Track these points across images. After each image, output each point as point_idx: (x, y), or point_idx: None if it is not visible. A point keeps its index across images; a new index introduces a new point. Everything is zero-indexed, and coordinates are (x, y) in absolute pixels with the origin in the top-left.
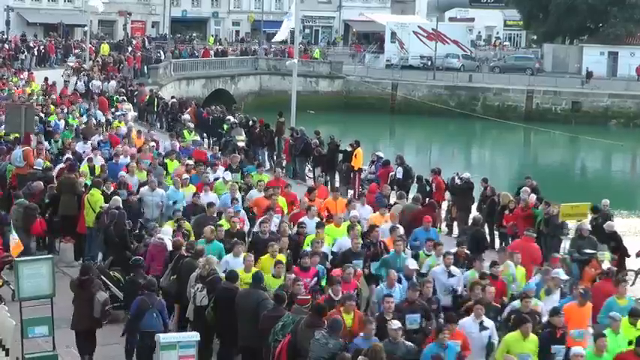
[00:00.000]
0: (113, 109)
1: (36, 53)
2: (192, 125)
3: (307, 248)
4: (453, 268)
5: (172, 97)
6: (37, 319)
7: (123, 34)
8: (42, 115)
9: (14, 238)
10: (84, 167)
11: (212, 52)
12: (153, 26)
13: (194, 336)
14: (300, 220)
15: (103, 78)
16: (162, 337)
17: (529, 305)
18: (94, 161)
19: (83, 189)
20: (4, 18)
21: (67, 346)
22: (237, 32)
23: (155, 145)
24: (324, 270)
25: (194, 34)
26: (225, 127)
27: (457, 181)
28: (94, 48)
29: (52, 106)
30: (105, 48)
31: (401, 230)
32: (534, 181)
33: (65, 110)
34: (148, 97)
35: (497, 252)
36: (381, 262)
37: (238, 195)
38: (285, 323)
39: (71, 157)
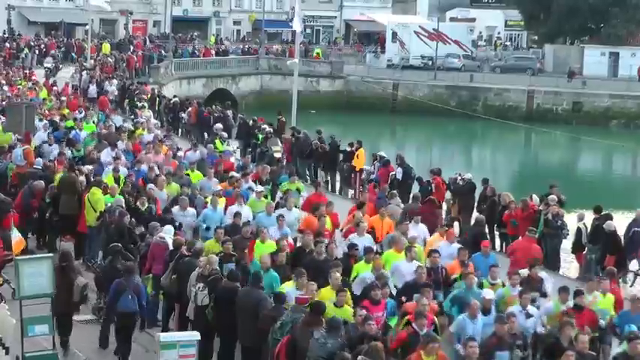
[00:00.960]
0: (132, 116)
1: (37, 52)
2: (225, 135)
3: (366, 273)
4: (531, 308)
5: (174, 96)
6: (37, 317)
7: (124, 34)
8: (57, 120)
9: (15, 236)
10: (108, 178)
11: (213, 52)
12: (154, 25)
13: (194, 335)
14: (352, 240)
15: (104, 77)
16: (163, 337)
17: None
18: (119, 171)
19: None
20: (5, 17)
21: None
22: (239, 32)
23: (177, 153)
24: (394, 304)
25: (195, 34)
26: (260, 136)
27: (459, 181)
28: (95, 47)
29: (66, 110)
30: (106, 47)
31: (466, 255)
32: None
33: (82, 115)
34: (149, 95)
35: (584, 279)
36: (451, 299)
37: (277, 212)
38: (283, 322)
39: (90, 167)
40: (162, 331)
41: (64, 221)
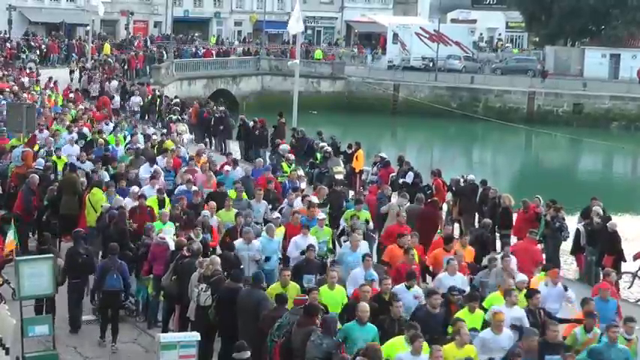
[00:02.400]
0: (165, 130)
1: (38, 52)
2: (292, 157)
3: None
4: None
5: (175, 97)
6: (38, 318)
7: (125, 34)
8: (85, 132)
9: (9, 236)
10: (152, 201)
11: (214, 52)
12: (155, 26)
13: (195, 336)
14: (444, 280)
15: (105, 78)
16: (163, 337)
17: None
18: (164, 193)
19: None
20: (6, 17)
21: (67, 345)
22: (240, 32)
23: (217, 168)
24: None
25: (196, 34)
26: (319, 156)
27: (462, 183)
28: (95, 48)
29: (89, 120)
30: (107, 48)
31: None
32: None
33: (109, 126)
34: (150, 96)
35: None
36: (587, 353)
37: (364, 248)
38: (280, 324)
39: (137, 189)
40: (163, 332)
41: (65, 221)
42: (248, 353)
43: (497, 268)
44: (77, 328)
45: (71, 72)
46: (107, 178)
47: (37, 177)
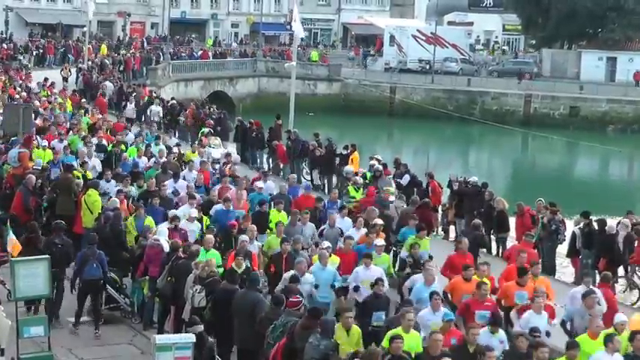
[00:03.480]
0: (196, 143)
1: (34, 53)
2: (360, 180)
3: None
4: None
5: (172, 99)
6: (33, 319)
7: (122, 35)
8: (106, 144)
9: (11, 239)
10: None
11: (210, 54)
12: (152, 27)
13: (190, 337)
14: (531, 320)
15: (102, 79)
16: (158, 339)
17: None
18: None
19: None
20: (3, 18)
21: (62, 346)
22: (236, 34)
23: (250, 184)
24: None
25: (193, 36)
26: (369, 174)
27: (463, 184)
28: (92, 49)
29: (108, 130)
30: (103, 49)
31: None
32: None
33: (132, 137)
34: (147, 97)
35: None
36: None
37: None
38: (276, 326)
39: (175, 212)
40: (158, 333)
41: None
42: (201, 327)
43: (581, 305)
44: (56, 318)
45: (64, 79)
46: (134, 193)
47: (34, 177)
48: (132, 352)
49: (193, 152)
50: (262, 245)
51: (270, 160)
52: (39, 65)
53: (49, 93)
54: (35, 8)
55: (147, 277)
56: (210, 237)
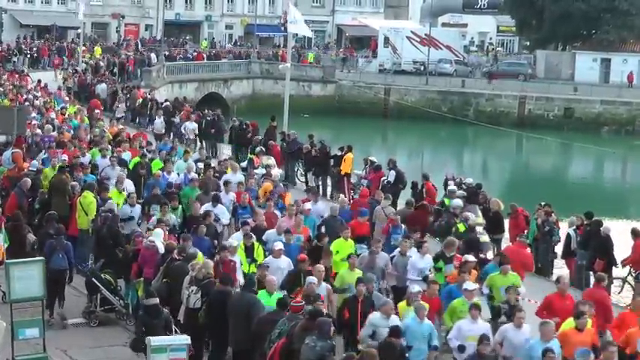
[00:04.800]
0: (245, 163)
1: (29, 55)
2: (470, 216)
3: None
4: None
5: (166, 100)
6: (28, 321)
7: (116, 37)
8: (126, 157)
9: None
10: (240, 252)
11: (205, 56)
12: (146, 29)
13: (184, 339)
14: None
15: (96, 81)
16: (153, 341)
17: None
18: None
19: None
20: None
21: (57, 348)
22: (231, 36)
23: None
24: None
25: (187, 37)
26: (447, 201)
27: (463, 186)
28: (87, 50)
29: (128, 141)
30: (98, 51)
31: None
32: None
33: (157, 149)
34: (141, 99)
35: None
36: None
37: None
38: (281, 331)
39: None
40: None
41: None
42: (156, 300)
43: None
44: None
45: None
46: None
47: (30, 180)
48: (127, 354)
49: (231, 167)
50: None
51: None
52: (33, 67)
53: (73, 105)
54: (29, 10)
55: (142, 279)
56: (272, 278)
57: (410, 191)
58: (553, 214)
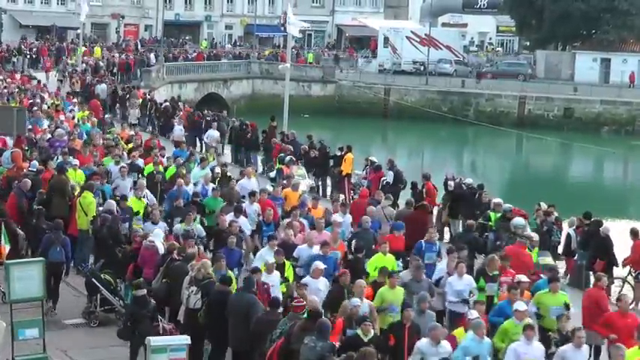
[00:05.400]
0: (272, 173)
1: (28, 56)
2: (535, 237)
3: None
4: None
5: (165, 101)
6: (28, 321)
7: (116, 37)
8: (140, 163)
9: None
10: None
11: (205, 56)
12: (146, 29)
13: (184, 339)
14: None
15: (96, 81)
16: (153, 341)
17: None
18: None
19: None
20: None
21: (57, 348)
22: (230, 36)
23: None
24: None
25: (187, 38)
26: (493, 215)
27: (459, 186)
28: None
29: (144, 148)
30: (97, 51)
31: None
32: None
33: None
34: (141, 100)
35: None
36: None
37: None
38: (282, 331)
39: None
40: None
41: None
42: (144, 291)
43: None
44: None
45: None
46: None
47: (29, 182)
48: (126, 354)
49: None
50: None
51: (264, 162)
52: (33, 67)
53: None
54: (29, 10)
55: (141, 279)
56: (314, 298)
57: (410, 191)
58: (553, 214)
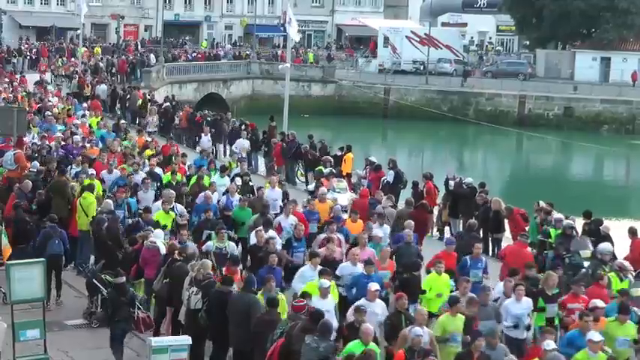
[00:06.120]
0: (311, 185)
1: (28, 57)
2: (629, 266)
3: None
4: None
5: (165, 101)
6: (29, 322)
7: (115, 38)
8: (159, 172)
9: (3, 242)
10: (311, 286)
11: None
12: (145, 30)
13: (186, 339)
14: None
15: (95, 82)
16: (154, 341)
17: None
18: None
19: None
20: None
21: (59, 349)
22: (230, 36)
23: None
24: None
25: (186, 38)
26: (553, 232)
27: (463, 185)
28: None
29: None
30: (97, 51)
31: None
32: None
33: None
34: (141, 100)
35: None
36: None
37: None
38: (282, 331)
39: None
40: (154, 336)
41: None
42: (123, 279)
43: None
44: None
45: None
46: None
47: (31, 182)
48: (128, 355)
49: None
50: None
51: (265, 162)
52: (32, 68)
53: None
54: (29, 11)
55: (142, 280)
56: (369, 327)
57: (411, 191)
58: (552, 213)
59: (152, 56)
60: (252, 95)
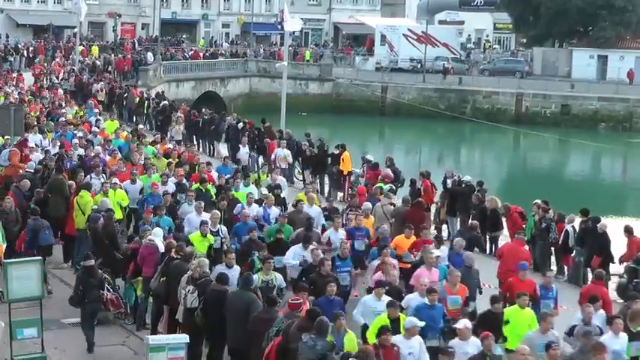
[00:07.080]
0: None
1: (25, 55)
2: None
3: None
4: None
5: (163, 100)
6: (26, 320)
7: (113, 36)
8: (185, 182)
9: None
10: (382, 321)
11: (201, 55)
12: (143, 28)
13: (183, 338)
14: None
15: (93, 80)
16: (152, 340)
17: None
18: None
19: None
20: None
21: (56, 347)
22: (227, 34)
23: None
24: None
25: (184, 36)
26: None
27: (457, 184)
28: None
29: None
30: (94, 50)
31: None
32: None
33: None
34: (138, 98)
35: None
36: None
37: None
38: (279, 329)
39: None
40: (151, 334)
41: (53, 223)
42: (92, 262)
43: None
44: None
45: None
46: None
47: (29, 182)
48: (125, 353)
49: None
50: None
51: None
52: (30, 67)
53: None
54: (26, 9)
55: (140, 278)
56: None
57: (408, 189)
58: (550, 211)
59: (149, 54)
60: (250, 93)
